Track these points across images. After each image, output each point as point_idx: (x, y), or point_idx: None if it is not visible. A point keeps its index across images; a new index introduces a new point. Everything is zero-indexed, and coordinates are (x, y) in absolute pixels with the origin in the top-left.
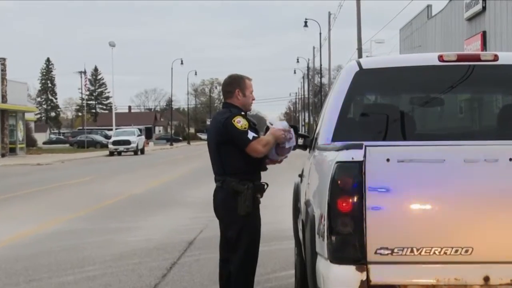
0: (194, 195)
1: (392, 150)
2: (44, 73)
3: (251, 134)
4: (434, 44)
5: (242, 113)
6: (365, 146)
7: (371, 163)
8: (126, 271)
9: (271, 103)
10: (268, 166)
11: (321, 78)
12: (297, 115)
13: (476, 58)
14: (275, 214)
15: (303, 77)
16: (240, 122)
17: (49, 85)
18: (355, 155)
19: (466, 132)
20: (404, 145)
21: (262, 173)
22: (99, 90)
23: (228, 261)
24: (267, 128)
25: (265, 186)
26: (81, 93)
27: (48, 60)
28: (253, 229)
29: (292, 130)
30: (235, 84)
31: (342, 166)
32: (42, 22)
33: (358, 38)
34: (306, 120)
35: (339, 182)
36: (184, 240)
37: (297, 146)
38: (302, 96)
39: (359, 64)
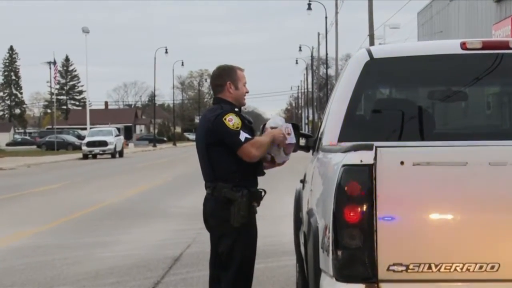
0: (180, 205)
1: (406, 151)
2: (7, 64)
3: (243, 135)
4: (457, 30)
5: (236, 109)
6: (376, 147)
7: (383, 167)
8: None
9: (269, 98)
10: (266, 170)
11: (326, 69)
12: (300, 111)
13: (505, 45)
14: (274, 225)
15: (306, 68)
16: (232, 121)
17: (13, 77)
18: (364, 157)
19: (494, 131)
20: (420, 146)
21: (259, 179)
22: (70, 83)
23: (219, 279)
24: (263, 128)
25: (263, 193)
26: (50, 86)
27: (11, 48)
28: (248, 243)
29: (290, 126)
30: (226, 76)
31: (349, 170)
32: (3, 3)
33: (369, 22)
34: (310, 118)
35: (346, 188)
36: (169, 256)
37: (298, 147)
38: (305, 90)
39: (370, 53)
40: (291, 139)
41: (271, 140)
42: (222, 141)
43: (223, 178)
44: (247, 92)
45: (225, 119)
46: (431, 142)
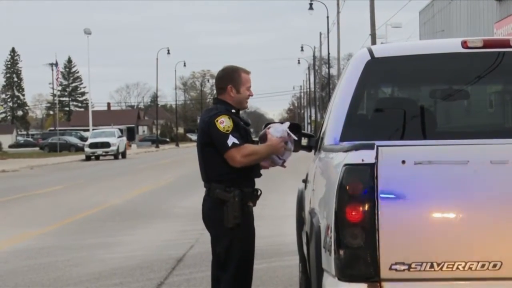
0: (183, 205)
1: (408, 150)
2: (9, 66)
3: (231, 140)
4: (459, 29)
5: (233, 110)
6: (377, 146)
7: (384, 166)
8: None
9: (272, 98)
10: (268, 170)
11: (329, 68)
12: (302, 111)
13: (506, 44)
14: (276, 225)
15: (308, 68)
16: (223, 123)
17: (15, 79)
18: (366, 156)
19: (496, 130)
20: (422, 145)
21: (261, 179)
22: (73, 84)
23: (218, 280)
24: (265, 137)
25: (258, 193)
26: (53, 88)
27: (13, 50)
28: (245, 244)
29: (290, 136)
30: (228, 79)
31: (351, 169)
32: (5, 4)
33: (371, 22)
34: (313, 117)
35: (347, 187)
36: (172, 257)
37: (300, 148)
38: (308, 90)
39: (371, 52)
40: (288, 154)
41: (269, 153)
42: (213, 142)
43: (216, 178)
44: (251, 96)
45: (216, 120)
46: (433, 141)
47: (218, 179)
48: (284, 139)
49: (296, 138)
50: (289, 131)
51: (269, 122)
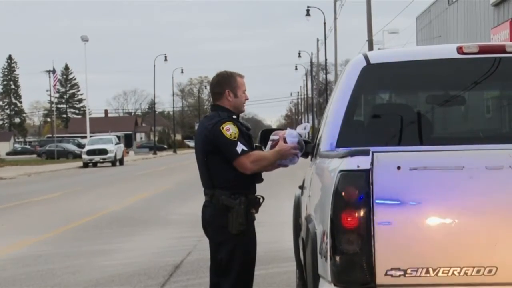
0: (180, 212)
1: (403, 156)
2: (6, 73)
3: (240, 147)
4: (456, 34)
5: (234, 116)
6: (373, 152)
7: (380, 172)
8: None
9: (269, 104)
10: (268, 174)
11: (326, 74)
12: (300, 117)
13: (501, 49)
14: (273, 232)
15: (306, 74)
16: (229, 130)
17: (12, 86)
18: (361, 162)
19: (492, 135)
20: (417, 151)
21: (259, 185)
22: (70, 91)
23: (219, 286)
24: (275, 144)
25: (261, 200)
26: (50, 95)
27: (10, 57)
28: (247, 250)
29: (301, 141)
30: (224, 84)
31: (346, 175)
32: (2, 11)
33: (368, 28)
34: (310, 123)
35: (343, 193)
36: (170, 264)
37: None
38: (305, 96)
39: (367, 58)
40: (296, 158)
41: (278, 159)
42: (220, 149)
43: (221, 185)
44: (247, 99)
45: (222, 128)
46: (428, 147)
47: (223, 186)
48: (295, 147)
49: (306, 141)
50: (300, 134)
51: (266, 129)
